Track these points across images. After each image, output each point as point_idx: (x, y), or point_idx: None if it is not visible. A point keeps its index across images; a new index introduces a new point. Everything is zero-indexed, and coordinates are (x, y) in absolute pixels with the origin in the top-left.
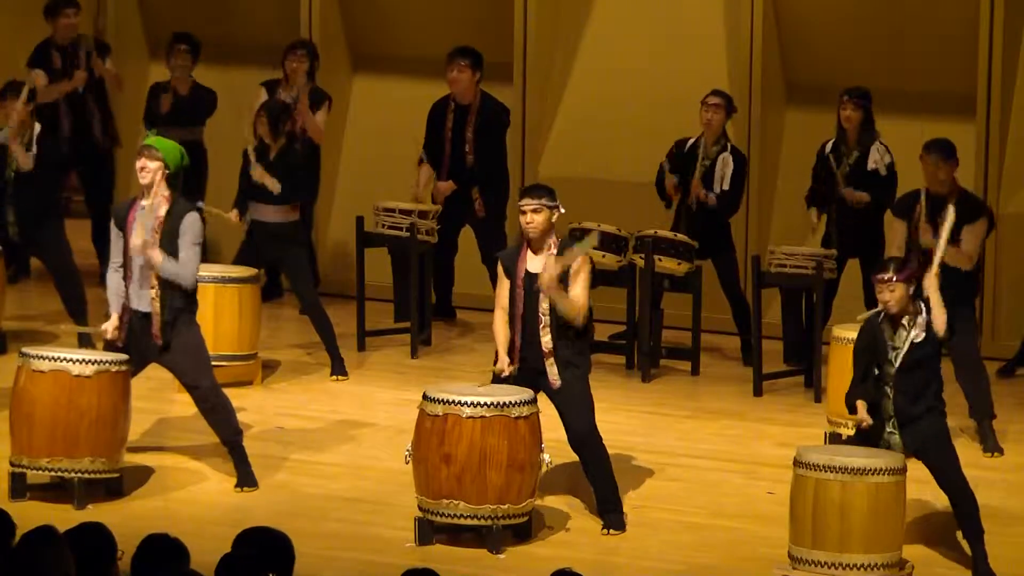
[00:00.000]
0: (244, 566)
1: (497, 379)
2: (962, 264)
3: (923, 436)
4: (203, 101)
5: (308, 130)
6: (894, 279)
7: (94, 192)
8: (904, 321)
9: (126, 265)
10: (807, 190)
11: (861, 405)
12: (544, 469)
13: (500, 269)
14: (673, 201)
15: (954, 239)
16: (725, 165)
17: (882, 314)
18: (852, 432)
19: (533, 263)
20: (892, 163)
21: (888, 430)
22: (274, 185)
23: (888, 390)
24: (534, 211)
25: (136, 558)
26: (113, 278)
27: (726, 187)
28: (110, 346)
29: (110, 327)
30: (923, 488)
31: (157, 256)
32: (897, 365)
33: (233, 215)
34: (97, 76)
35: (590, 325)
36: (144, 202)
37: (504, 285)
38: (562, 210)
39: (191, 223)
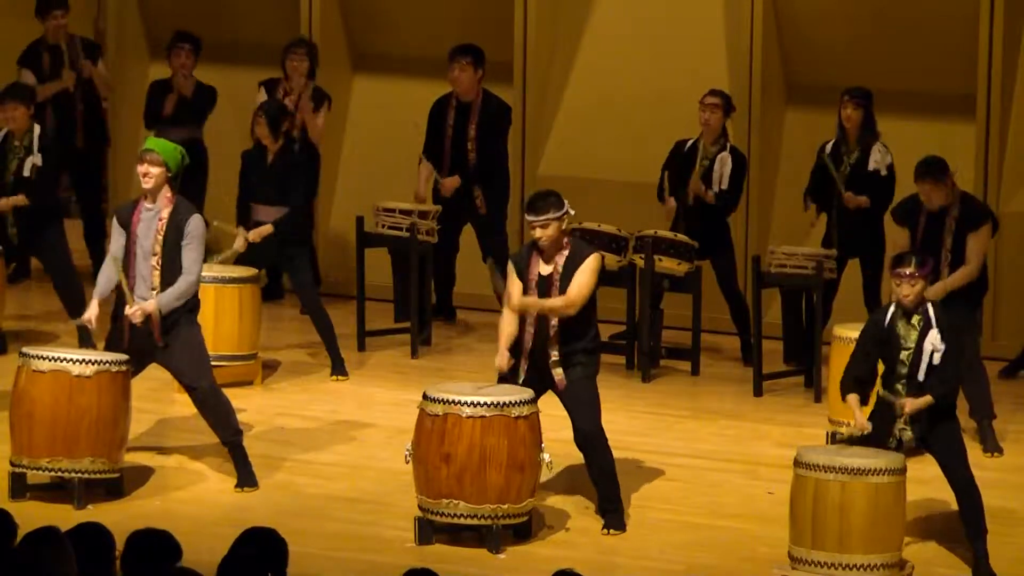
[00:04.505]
0: (245, 567)
1: (503, 378)
2: (971, 278)
3: (934, 431)
4: (205, 99)
5: (308, 130)
6: (916, 274)
7: (84, 193)
8: (914, 321)
9: (128, 266)
10: (805, 187)
11: (854, 400)
12: (545, 469)
13: (511, 269)
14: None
15: (957, 251)
16: (723, 165)
17: (892, 307)
18: (853, 432)
19: (545, 268)
20: (892, 164)
21: (900, 426)
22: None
23: (900, 388)
24: (542, 227)
25: (125, 554)
26: (107, 268)
27: (724, 186)
28: (110, 346)
29: (91, 315)
30: (923, 488)
31: (153, 308)
32: (909, 365)
33: (239, 234)
34: (86, 77)
35: (596, 325)
36: (148, 204)
37: (516, 285)
38: (571, 212)
39: (195, 226)
